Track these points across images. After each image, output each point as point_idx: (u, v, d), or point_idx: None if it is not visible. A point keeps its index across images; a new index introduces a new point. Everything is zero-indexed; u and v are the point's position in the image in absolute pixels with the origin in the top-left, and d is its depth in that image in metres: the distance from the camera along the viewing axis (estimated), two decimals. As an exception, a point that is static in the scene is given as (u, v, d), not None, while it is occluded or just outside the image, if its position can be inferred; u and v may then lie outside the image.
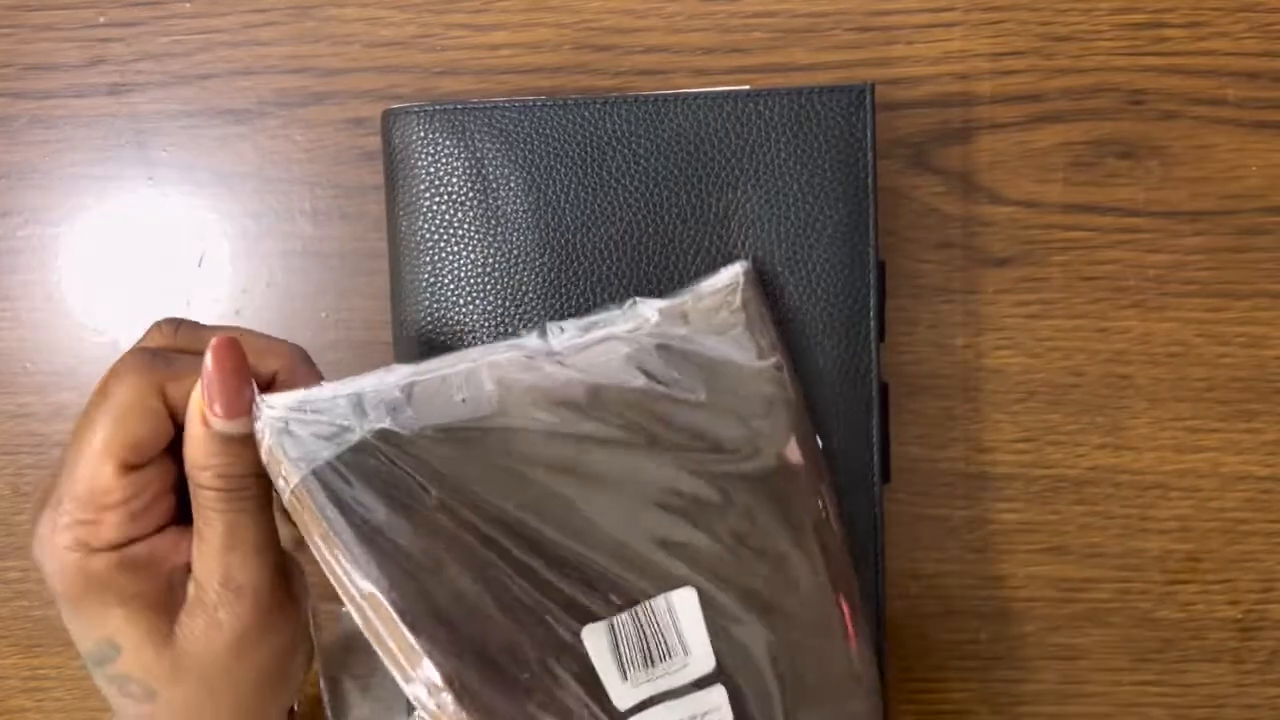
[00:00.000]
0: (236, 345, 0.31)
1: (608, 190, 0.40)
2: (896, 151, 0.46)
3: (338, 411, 0.32)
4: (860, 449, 0.41)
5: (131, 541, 0.32)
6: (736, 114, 0.40)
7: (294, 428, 0.32)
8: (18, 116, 0.47)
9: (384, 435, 0.33)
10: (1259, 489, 0.47)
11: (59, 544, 0.31)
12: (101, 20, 0.46)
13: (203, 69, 0.46)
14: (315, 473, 0.32)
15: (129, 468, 0.32)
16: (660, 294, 0.39)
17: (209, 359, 0.31)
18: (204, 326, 0.36)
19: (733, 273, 0.39)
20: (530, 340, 0.36)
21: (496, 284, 0.41)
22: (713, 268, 0.40)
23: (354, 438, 0.32)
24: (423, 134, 0.41)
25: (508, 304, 0.40)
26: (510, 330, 0.40)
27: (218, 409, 0.31)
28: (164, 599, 0.32)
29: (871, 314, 0.41)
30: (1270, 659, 0.47)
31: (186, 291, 0.47)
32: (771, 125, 0.40)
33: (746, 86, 0.41)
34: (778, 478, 0.38)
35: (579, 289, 0.40)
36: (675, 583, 0.36)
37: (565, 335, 0.37)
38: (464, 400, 0.34)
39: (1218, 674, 0.47)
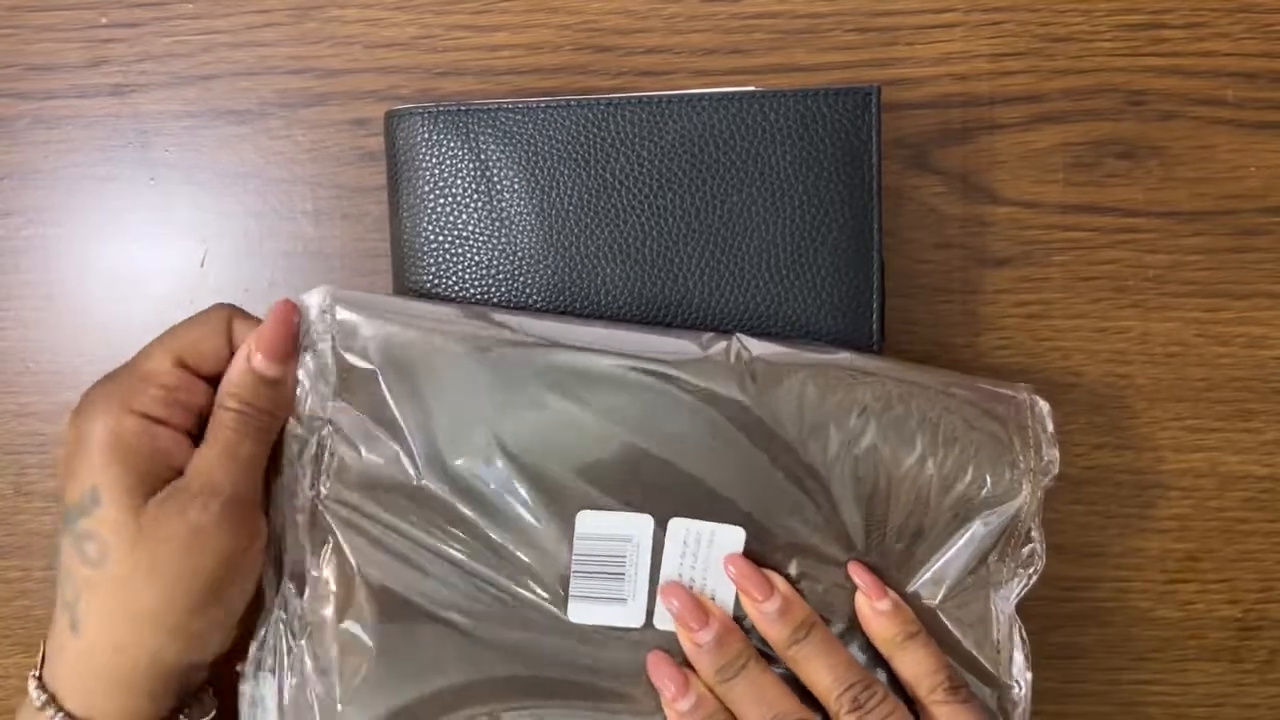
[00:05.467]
0: (294, 309, 0.38)
1: (613, 191, 0.40)
2: (897, 152, 0.46)
3: None
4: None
5: (157, 420, 0.37)
6: (742, 115, 0.40)
7: None
8: (20, 117, 0.47)
9: None
10: (1258, 488, 0.47)
11: (100, 398, 0.37)
12: (104, 21, 0.47)
13: (205, 70, 0.46)
14: None
15: (181, 364, 0.38)
16: (664, 297, 0.40)
17: (271, 311, 0.38)
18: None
19: None
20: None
21: (501, 286, 0.41)
22: (717, 269, 0.40)
23: None
24: (427, 135, 0.41)
25: (512, 306, 0.41)
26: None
27: (263, 351, 0.37)
28: (153, 478, 0.36)
29: (874, 315, 0.41)
30: (1269, 658, 0.47)
31: (189, 291, 0.47)
32: (777, 127, 0.40)
33: (751, 87, 0.41)
34: None
35: (583, 291, 0.40)
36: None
37: None
38: None
39: (1217, 673, 0.47)
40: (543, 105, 0.40)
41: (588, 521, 0.38)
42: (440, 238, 0.41)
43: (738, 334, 0.40)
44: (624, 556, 0.38)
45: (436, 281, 0.41)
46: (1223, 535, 0.47)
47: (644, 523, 0.38)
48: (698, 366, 0.38)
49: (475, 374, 0.38)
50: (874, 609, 0.39)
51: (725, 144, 0.40)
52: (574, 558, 0.38)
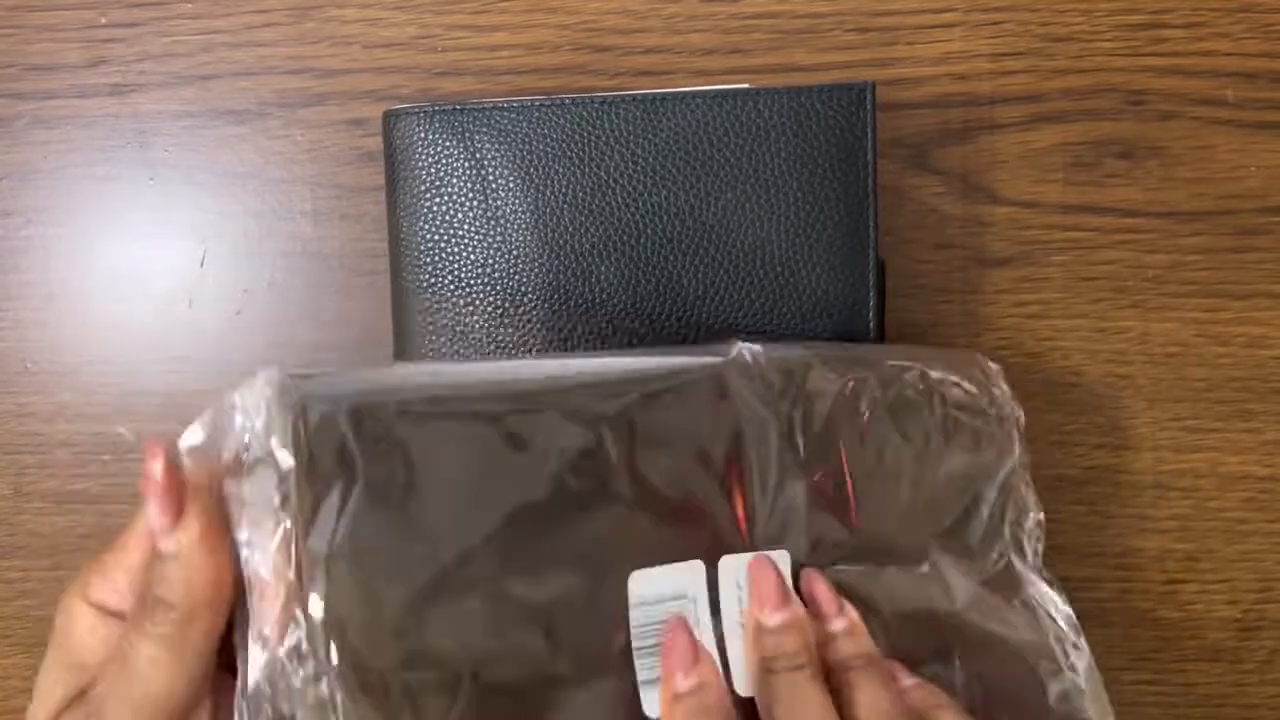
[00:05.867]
0: (162, 453, 0.28)
1: (607, 190, 0.40)
2: (896, 151, 0.46)
3: None
4: (860, 448, 0.41)
5: (115, 614, 0.30)
6: (736, 113, 0.40)
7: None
8: (20, 117, 0.47)
9: None
10: (1258, 489, 0.47)
11: (77, 578, 0.30)
12: (103, 21, 0.47)
13: (204, 70, 0.47)
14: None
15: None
16: (658, 295, 0.40)
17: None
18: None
19: None
20: None
21: (497, 284, 0.41)
22: (712, 267, 0.40)
23: None
24: (424, 135, 0.41)
25: (508, 304, 0.41)
26: (510, 329, 0.41)
27: (163, 519, 0.28)
28: (79, 685, 0.30)
29: (871, 314, 0.41)
30: (1269, 659, 0.47)
31: (188, 291, 0.47)
32: (771, 124, 0.40)
33: (746, 85, 0.41)
34: None
35: (579, 289, 0.40)
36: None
37: None
38: None
39: (1216, 674, 0.47)
40: (537, 104, 0.40)
41: (641, 584, 0.31)
42: (437, 237, 0.41)
43: (738, 340, 0.36)
44: (686, 618, 0.32)
45: (433, 280, 0.41)
46: (1223, 535, 0.47)
47: (696, 570, 0.32)
48: (723, 374, 0.35)
49: (489, 458, 0.30)
50: (830, 630, 0.33)
51: (719, 141, 0.40)
52: (633, 631, 0.31)
